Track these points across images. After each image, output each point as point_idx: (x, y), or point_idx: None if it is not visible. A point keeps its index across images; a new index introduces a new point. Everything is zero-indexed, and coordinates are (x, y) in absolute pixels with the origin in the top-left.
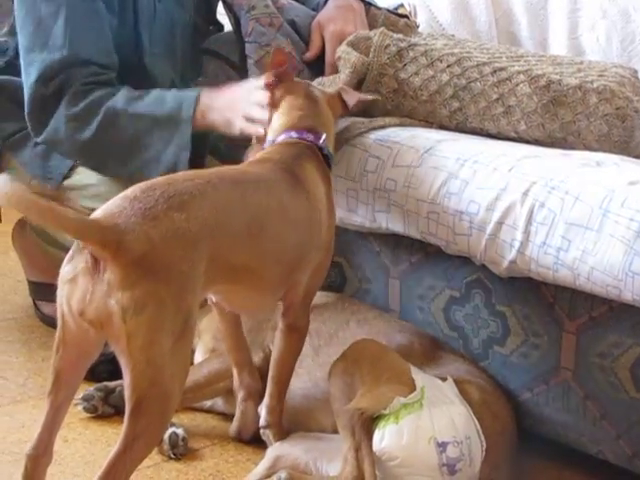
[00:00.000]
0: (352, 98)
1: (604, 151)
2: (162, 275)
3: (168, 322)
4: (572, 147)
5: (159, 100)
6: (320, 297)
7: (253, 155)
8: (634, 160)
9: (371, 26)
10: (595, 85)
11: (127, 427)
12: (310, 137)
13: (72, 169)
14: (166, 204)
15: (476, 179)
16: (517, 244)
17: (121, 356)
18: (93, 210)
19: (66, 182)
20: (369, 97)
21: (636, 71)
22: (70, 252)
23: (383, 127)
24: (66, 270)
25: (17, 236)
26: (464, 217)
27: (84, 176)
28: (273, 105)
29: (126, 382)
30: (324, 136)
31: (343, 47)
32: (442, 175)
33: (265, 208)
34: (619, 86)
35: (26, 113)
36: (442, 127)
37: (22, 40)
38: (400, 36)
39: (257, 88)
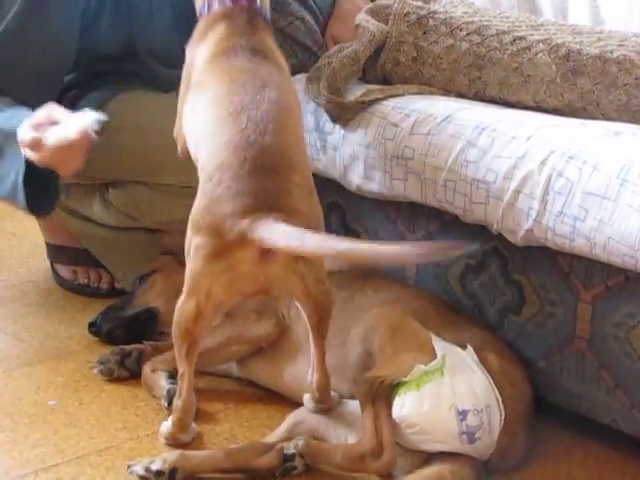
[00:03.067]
0: None
1: (623, 121)
2: None
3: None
4: (591, 117)
5: (15, 116)
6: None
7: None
8: None
9: None
10: (615, 55)
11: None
12: (244, 1)
13: None
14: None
15: (494, 147)
16: (534, 213)
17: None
18: None
19: None
20: None
21: None
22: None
23: (401, 95)
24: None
25: None
26: (481, 185)
27: None
28: None
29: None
30: None
31: (362, 15)
32: (460, 143)
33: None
34: (639, 55)
35: None
36: (461, 95)
37: None
38: (420, 4)
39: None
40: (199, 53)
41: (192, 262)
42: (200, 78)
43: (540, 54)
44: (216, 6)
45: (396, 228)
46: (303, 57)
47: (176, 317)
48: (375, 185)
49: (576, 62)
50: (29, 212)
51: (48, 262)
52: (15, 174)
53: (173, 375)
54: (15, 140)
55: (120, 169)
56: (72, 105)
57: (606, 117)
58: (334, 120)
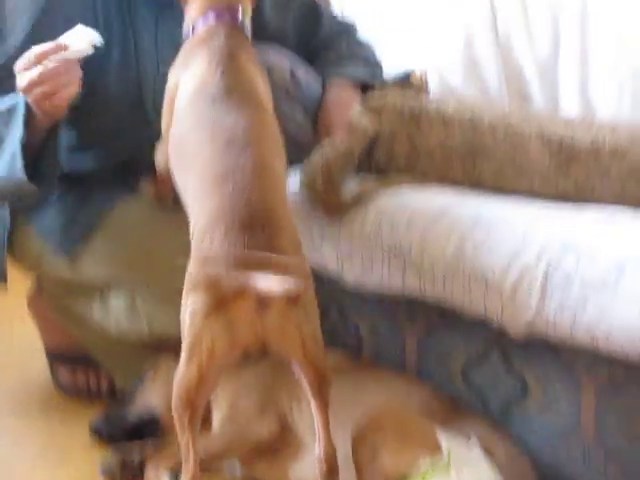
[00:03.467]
0: None
1: (618, 209)
2: None
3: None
4: (586, 205)
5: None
6: (335, 358)
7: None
8: None
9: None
10: (607, 143)
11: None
12: (227, 17)
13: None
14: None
15: (490, 241)
16: (533, 306)
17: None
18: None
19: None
20: None
21: None
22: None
23: (397, 187)
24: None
25: (33, 302)
26: (480, 279)
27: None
28: None
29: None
30: (241, 10)
31: (356, 110)
32: (457, 236)
33: None
34: (631, 143)
35: None
36: (456, 187)
37: None
38: (413, 99)
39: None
40: (182, 80)
41: (190, 321)
42: (182, 115)
43: (533, 145)
44: (200, 27)
45: (395, 322)
46: (292, 150)
47: (176, 389)
48: (373, 280)
49: (569, 152)
50: (28, 187)
51: (47, 364)
52: (12, 145)
53: (176, 476)
54: (10, 119)
55: (120, 269)
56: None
57: (602, 205)
58: (329, 217)
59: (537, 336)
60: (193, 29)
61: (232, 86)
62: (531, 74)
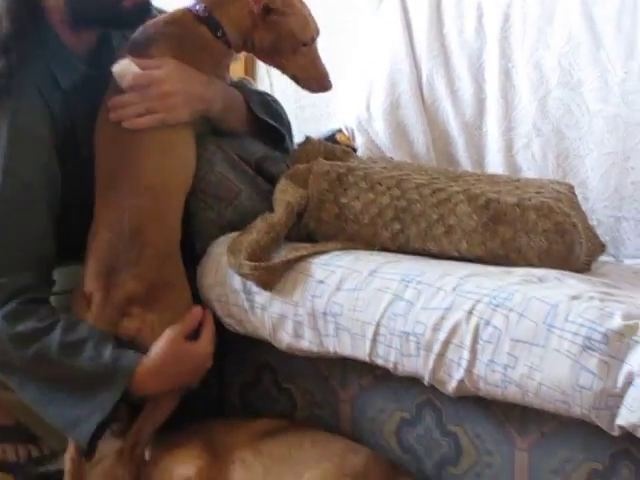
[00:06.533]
0: None
1: (545, 266)
2: None
3: None
4: (514, 264)
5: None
6: (270, 422)
7: None
8: (574, 274)
9: (311, 157)
10: (533, 202)
11: None
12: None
13: None
14: None
15: (421, 299)
16: (465, 363)
17: None
18: None
19: None
20: None
21: (572, 186)
22: None
23: (326, 252)
24: None
25: None
26: (411, 338)
27: None
28: None
29: None
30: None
31: (279, 185)
32: (387, 297)
33: None
34: (556, 202)
35: None
36: (385, 249)
37: None
38: (339, 162)
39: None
40: None
41: None
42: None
43: (460, 204)
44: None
45: (328, 385)
46: (219, 208)
47: None
48: (305, 343)
49: (495, 211)
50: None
51: None
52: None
53: None
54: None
55: None
56: None
57: (529, 263)
58: (261, 286)
59: (469, 393)
60: None
61: None
62: (457, 135)
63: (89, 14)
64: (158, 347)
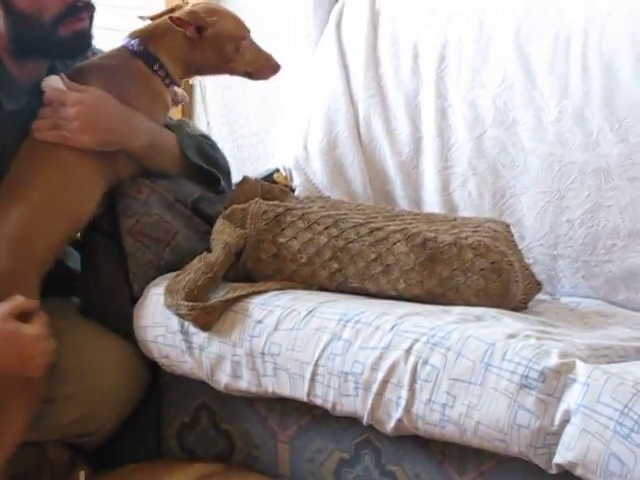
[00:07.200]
0: None
1: (483, 305)
2: None
3: None
4: (451, 302)
5: None
6: (207, 467)
7: None
8: (511, 313)
9: (248, 197)
10: (470, 241)
11: None
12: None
13: None
14: None
15: (359, 339)
16: (403, 402)
17: None
18: None
19: None
20: None
21: (508, 225)
22: None
23: (265, 291)
24: None
25: None
26: (349, 377)
27: None
28: None
29: None
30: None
31: (217, 225)
32: (325, 336)
33: None
34: (493, 240)
35: None
36: (323, 289)
37: None
38: (276, 202)
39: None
40: None
41: None
42: None
43: (397, 244)
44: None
45: (266, 426)
46: (156, 249)
47: None
48: (244, 383)
49: (433, 250)
50: None
51: None
52: None
53: None
54: None
55: None
56: None
57: (466, 302)
58: (199, 327)
59: (408, 433)
60: None
61: None
62: (394, 174)
63: (28, 43)
64: None
